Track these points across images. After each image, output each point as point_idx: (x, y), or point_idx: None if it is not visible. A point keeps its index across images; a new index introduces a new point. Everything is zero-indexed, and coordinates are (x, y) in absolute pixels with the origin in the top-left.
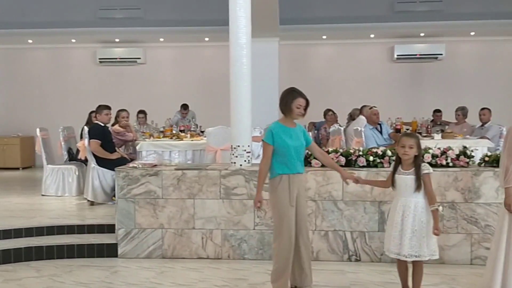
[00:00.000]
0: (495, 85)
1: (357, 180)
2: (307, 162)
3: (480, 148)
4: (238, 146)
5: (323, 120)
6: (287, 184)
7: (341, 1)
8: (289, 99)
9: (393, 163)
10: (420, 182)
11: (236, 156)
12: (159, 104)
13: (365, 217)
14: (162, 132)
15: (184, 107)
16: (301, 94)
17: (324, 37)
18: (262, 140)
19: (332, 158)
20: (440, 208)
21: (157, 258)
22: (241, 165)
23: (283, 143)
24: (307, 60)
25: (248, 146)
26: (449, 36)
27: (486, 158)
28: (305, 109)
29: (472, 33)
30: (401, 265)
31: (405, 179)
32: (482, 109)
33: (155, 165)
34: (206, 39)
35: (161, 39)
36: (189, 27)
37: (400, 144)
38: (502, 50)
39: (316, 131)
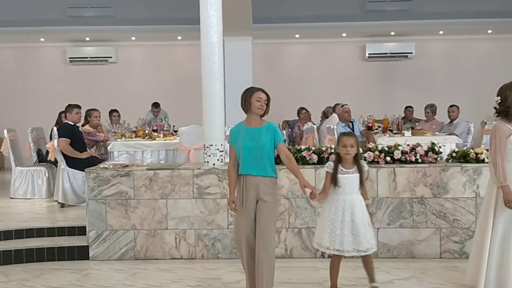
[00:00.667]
0: (462, 83)
1: (314, 195)
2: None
3: (448, 145)
4: (211, 145)
5: (297, 118)
6: (241, 185)
7: (313, 0)
8: (248, 94)
9: (329, 164)
10: (363, 179)
11: (209, 155)
12: (131, 103)
13: None
14: (134, 132)
15: (155, 105)
16: (260, 89)
17: (297, 36)
18: (228, 142)
19: (305, 156)
20: (370, 201)
21: (129, 260)
22: (214, 164)
23: (237, 144)
24: (280, 58)
25: (221, 145)
26: (419, 35)
27: (454, 154)
28: (267, 104)
29: (441, 32)
30: (337, 261)
31: (351, 178)
32: (451, 106)
33: (127, 166)
34: (179, 37)
35: (133, 38)
36: (161, 26)
37: (341, 144)
38: (469, 48)
39: (290, 129)
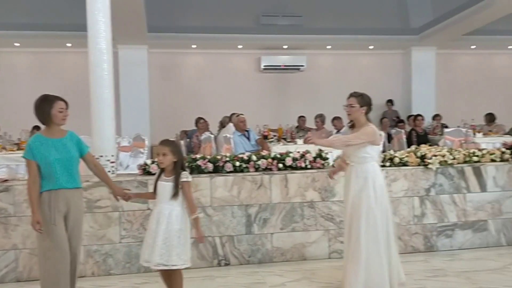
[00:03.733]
0: (348, 94)
1: (129, 197)
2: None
3: (335, 151)
4: (101, 156)
5: (195, 128)
6: (47, 202)
7: (209, 12)
8: (46, 106)
9: (159, 171)
10: (177, 189)
11: None
12: (14, 114)
13: (233, 221)
14: (17, 144)
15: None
16: (58, 98)
17: (194, 46)
18: (23, 157)
19: (200, 165)
20: (201, 215)
21: (10, 282)
22: None
23: (43, 157)
24: (178, 68)
25: (112, 155)
26: (309, 49)
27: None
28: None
29: (329, 47)
30: (164, 273)
31: (165, 185)
32: (335, 118)
33: (6, 180)
34: (68, 44)
35: (16, 44)
36: (48, 32)
37: (156, 152)
38: (353, 62)
39: (188, 139)
